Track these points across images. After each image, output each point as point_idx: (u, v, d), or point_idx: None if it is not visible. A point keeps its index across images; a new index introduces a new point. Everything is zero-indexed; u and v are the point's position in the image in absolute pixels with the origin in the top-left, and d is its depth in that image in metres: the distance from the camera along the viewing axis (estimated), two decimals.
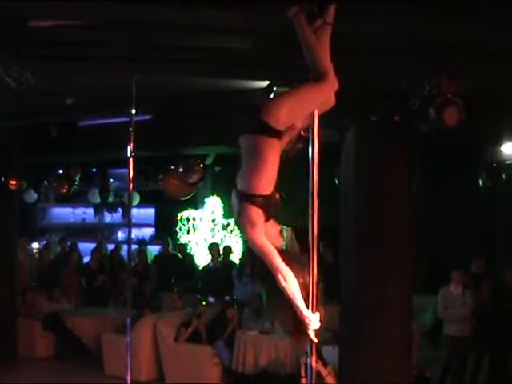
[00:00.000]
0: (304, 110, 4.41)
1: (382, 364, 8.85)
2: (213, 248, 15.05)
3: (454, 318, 10.88)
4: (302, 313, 4.29)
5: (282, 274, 4.24)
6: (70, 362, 13.60)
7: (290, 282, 4.26)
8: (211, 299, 13.34)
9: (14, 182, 12.91)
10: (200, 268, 15.68)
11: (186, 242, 16.52)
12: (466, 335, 10.85)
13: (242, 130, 4.35)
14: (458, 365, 10.84)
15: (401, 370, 8.99)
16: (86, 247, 17.32)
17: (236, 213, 4.30)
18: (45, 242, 18.27)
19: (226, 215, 16.55)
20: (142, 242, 16.74)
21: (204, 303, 12.57)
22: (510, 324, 10.95)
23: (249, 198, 4.20)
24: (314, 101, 4.39)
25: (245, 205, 4.22)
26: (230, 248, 15.31)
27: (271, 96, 7.56)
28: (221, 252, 15.08)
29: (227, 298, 13.32)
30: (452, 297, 10.93)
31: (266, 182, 4.24)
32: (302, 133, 4.69)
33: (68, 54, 7.13)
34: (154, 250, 16.97)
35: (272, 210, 4.30)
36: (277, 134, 4.25)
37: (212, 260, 15.00)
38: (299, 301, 4.28)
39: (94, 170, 15.41)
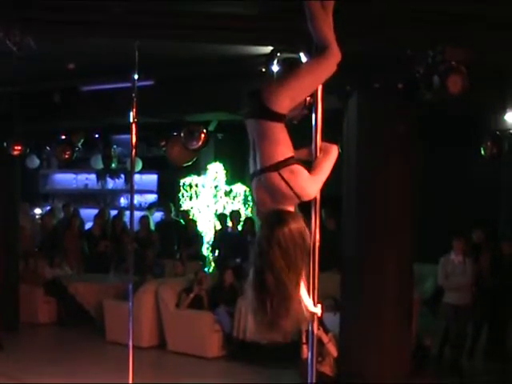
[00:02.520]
0: (310, 88, 4.26)
1: (382, 332, 8.89)
2: (234, 216, 15.29)
3: (455, 286, 10.86)
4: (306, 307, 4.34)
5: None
6: (71, 328, 13.66)
7: None
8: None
9: (17, 148, 12.86)
10: (213, 232, 15.95)
11: (189, 208, 16.53)
12: (466, 303, 10.85)
13: (246, 114, 4.28)
14: (457, 333, 10.85)
15: (401, 339, 9.03)
16: (89, 213, 17.35)
17: (272, 193, 4.08)
18: (48, 207, 18.28)
19: (229, 182, 16.57)
20: (151, 207, 16.91)
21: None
22: (507, 296, 11.03)
23: (287, 161, 4.06)
24: (319, 77, 4.26)
25: (291, 168, 4.06)
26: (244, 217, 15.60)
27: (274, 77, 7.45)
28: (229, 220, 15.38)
29: (238, 260, 13.38)
30: (452, 265, 10.91)
31: (288, 150, 4.14)
32: (307, 98, 4.63)
33: (70, 18, 7.08)
34: (155, 216, 17.03)
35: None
36: (283, 119, 4.20)
37: (231, 226, 15.22)
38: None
39: (97, 135, 15.38)
